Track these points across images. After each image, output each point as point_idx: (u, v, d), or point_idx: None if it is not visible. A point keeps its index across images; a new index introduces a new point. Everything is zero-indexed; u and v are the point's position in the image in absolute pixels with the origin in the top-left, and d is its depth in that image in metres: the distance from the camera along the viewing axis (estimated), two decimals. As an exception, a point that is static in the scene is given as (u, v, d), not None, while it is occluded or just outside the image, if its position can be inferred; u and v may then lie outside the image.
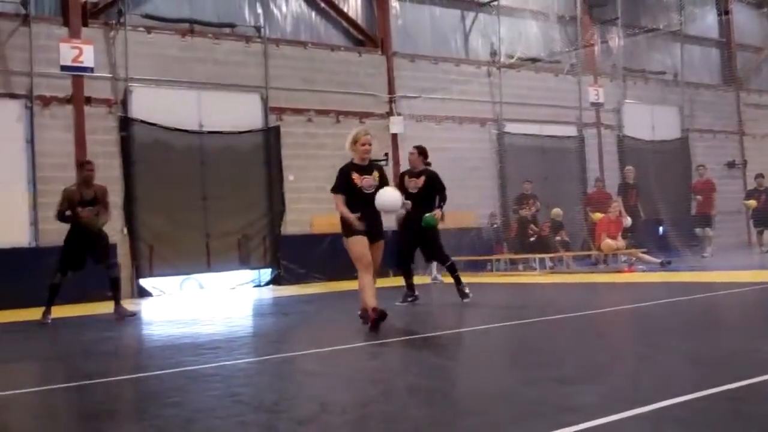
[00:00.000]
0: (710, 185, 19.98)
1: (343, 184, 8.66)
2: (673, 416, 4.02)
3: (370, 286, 8.42)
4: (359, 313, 8.81)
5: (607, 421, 3.91)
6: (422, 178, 10.86)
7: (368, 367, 6.32)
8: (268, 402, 5.04)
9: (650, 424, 3.91)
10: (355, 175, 8.62)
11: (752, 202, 20.46)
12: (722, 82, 27.76)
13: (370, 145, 8.75)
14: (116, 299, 11.55)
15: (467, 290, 10.92)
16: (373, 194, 8.53)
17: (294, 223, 17.83)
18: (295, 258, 17.49)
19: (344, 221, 8.61)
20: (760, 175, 21.20)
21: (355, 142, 8.75)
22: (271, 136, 17.76)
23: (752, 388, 4.51)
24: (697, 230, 19.49)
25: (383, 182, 8.74)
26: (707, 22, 27.31)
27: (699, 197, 19.80)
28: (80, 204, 11.19)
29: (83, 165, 11.76)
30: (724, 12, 27.19)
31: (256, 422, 4.43)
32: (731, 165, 26.29)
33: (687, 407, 4.15)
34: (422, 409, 4.59)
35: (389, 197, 8.52)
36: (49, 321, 11.06)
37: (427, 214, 10.56)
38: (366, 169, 8.73)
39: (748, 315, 8.78)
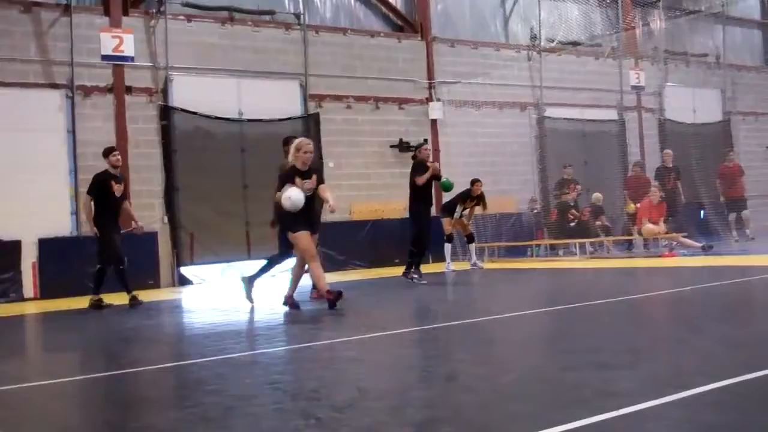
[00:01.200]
0: (737, 169, 19.91)
1: (98, 189, 10.91)
2: (712, 401, 3.98)
3: (322, 272, 9.75)
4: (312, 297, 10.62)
5: (647, 406, 3.88)
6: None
7: (407, 354, 6.33)
8: (306, 389, 5.06)
9: (689, 409, 3.88)
10: (297, 180, 9.45)
11: None
12: (765, 63, 27.28)
13: (311, 153, 9.72)
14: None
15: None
16: (313, 196, 9.57)
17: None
18: (334, 245, 17.50)
19: (286, 217, 9.59)
20: None
21: (298, 150, 9.62)
22: (310, 123, 17.81)
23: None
24: (730, 216, 19.26)
25: (320, 183, 9.68)
26: (749, 3, 26.85)
27: (719, 182, 19.55)
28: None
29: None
30: (765, -7, 26.74)
31: (295, 409, 4.46)
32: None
33: (725, 392, 4.11)
34: (462, 395, 4.58)
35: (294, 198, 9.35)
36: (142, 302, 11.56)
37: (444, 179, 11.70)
38: (307, 173, 9.58)
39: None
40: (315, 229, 10.04)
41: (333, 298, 9.40)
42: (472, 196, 15.74)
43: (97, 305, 11.43)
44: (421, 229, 12.85)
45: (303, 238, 9.60)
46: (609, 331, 6.92)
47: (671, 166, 18.66)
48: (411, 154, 18.71)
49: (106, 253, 11.46)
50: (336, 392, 4.91)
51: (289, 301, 9.94)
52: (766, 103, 26.13)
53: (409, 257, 13.01)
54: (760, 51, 27.53)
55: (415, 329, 7.52)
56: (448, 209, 15.93)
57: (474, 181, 15.74)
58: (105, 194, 11.51)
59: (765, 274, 10.86)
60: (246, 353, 6.60)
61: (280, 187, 9.47)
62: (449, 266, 15.61)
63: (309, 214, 9.68)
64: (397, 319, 8.37)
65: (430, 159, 13.21)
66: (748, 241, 17.97)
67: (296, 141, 9.82)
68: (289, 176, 9.55)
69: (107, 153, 11.88)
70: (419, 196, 12.85)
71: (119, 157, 11.95)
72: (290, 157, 9.70)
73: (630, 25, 22.97)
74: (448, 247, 15.80)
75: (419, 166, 12.87)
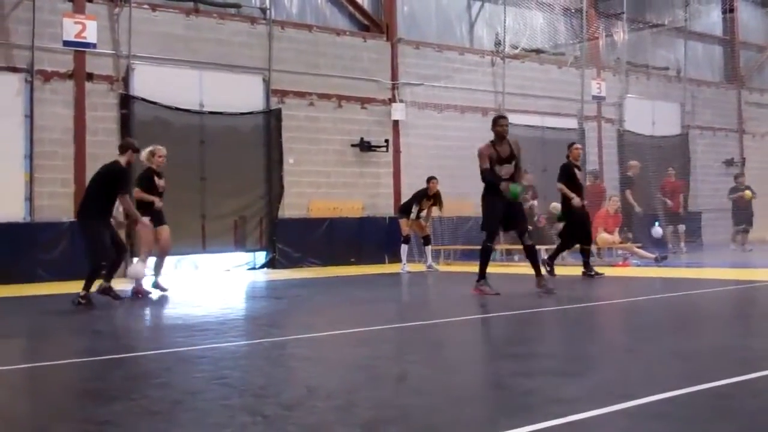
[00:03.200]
0: (678, 184, 20.65)
1: (146, 183, 11.48)
2: (658, 412, 4.01)
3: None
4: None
5: (593, 415, 3.91)
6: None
7: (358, 353, 6.32)
8: (255, 386, 5.03)
9: (634, 419, 3.91)
10: (156, 180, 11.53)
11: (748, 193, 20.57)
12: (724, 79, 27.72)
13: (165, 158, 11.69)
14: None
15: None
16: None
17: (292, 207, 17.82)
18: (291, 242, 17.49)
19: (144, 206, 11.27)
20: (740, 174, 21.86)
21: (153, 154, 11.49)
22: (272, 119, 17.73)
23: (738, 386, 4.51)
24: (668, 228, 19.72)
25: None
26: (711, 19, 27.32)
27: (662, 196, 19.96)
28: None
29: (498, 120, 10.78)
30: (728, 9, 27.20)
31: (242, 405, 4.43)
32: (730, 163, 26.27)
33: (672, 403, 4.15)
34: (411, 397, 4.58)
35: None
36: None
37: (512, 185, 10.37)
38: (160, 174, 11.67)
39: (738, 312, 8.80)
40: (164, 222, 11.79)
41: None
42: (429, 195, 15.78)
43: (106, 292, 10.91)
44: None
45: (151, 233, 11.50)
46: (560, 338, 6.97)
47: (634, 177, 19.05)
48: (372, 153, 18.84)
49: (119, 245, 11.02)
50: (284, 390, 4.89)
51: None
52: (723, 119, 26.59)
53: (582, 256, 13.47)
54: (720, 67, 27.97)
55: (367, 329, 7.51)
56: (405, 210, 15.98)
57: (429, 179, 15.81)
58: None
59: (715, 287, 11.02)
60: (196, 347, 6.54)
61: (142, 183, 11.57)
62: (405, 267, 15.65)
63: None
64: (350, 319, 8.36)
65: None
66: (682, 255, 18.42)
67: (151, 148, 11.47)
68: (147, 176, 11.45)
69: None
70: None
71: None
72: (144, 160, 11.43)
73: (593, 35, 23.23)
74: (404, 248, 15.84)
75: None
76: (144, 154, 11.30)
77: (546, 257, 13.37)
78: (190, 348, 6.54)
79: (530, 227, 18.13)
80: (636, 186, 19.26)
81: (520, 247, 18.02)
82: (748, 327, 7.45)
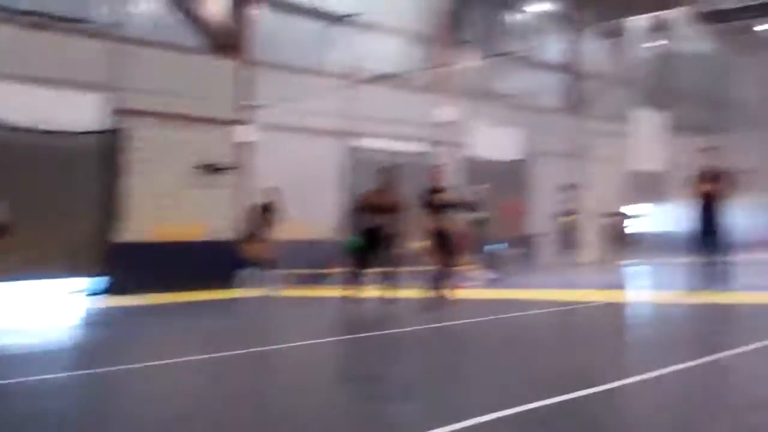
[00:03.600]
0: (518, 209, 21.80)
1: None
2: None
3: None
4: None
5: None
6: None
7: (188, 382, 6.32)
8: (76, 421, 4.98)
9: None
10: None
11: (571, 219, 21.79)
12: (565, 107, 28.98)
13: None
14: None
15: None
16: None
17: (133, 231, 17.28)
18: (131, 267, 16.71)
19: None
20: (569, 200, 23.34)
21: None
22: (114, 139, 17.27)
23: (563, 405, 4.77)
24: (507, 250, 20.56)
25: None
26: (555, 48, 28.53)
27: (504, 219, 20.77)
28: None
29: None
30: (571, 40, 28.50)
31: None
32: (568, 187, 27.36)
33: (499, 424, 4.36)
34: (240, 423, 4.65)
35: None
36: None
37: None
38: None
39: (566, 332, 9.24)
40: None
41: None
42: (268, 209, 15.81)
43: None
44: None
45: None
46: (394, 361, 7.13)
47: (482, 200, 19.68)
48: (220, 175, 18.69)
49: None
50: (117, 420, 4.86)
51: None
52: (562, 145, 27.76)
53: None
54: (561, 94, 29.22)
55: (201, 357, 7.50)
56: (247, 234, 15.98)
57: (267, 191, 15.86)
58: None
59: (544, 309, 11.53)
60: (14, 380, 6.37)
61: None
62: (250, 292, 15.56)
63: None
64: (191, 346, 8.32)
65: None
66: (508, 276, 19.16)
67: None
68: None
69: None
70: None
71: None
72: None
73: (443, 61, 23.84)
74: (248, 272, 15.76)
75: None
76: None
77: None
78: (8, 381, 6.37)
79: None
80: (485, 209, 19.79)
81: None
82: (572, 347, 7.83)
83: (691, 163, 13.90)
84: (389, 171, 11.81)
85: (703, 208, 12.13)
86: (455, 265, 13.72)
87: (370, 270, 12.02)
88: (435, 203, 12.66)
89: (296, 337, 9.18)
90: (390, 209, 11.61)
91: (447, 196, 12.42)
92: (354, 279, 11.88)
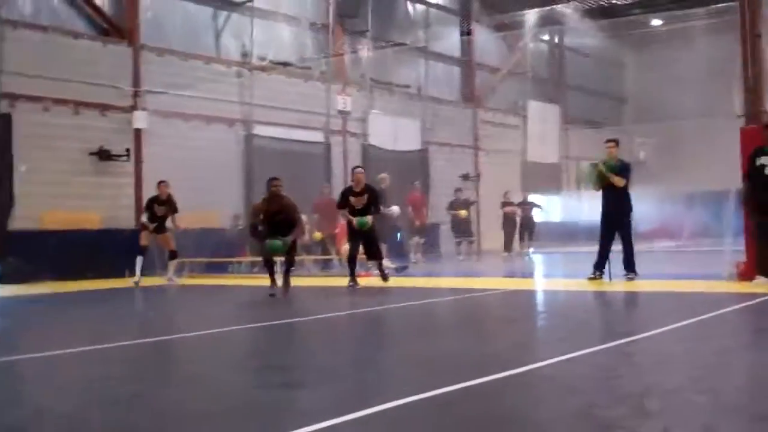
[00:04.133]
0: (422, 198, 22.04)
1: None
2: (390, 418, 4.12)
3: None
4: None
5: (327, 425, 3.94)
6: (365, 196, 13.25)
7: (92, 373, 6.01)
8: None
9: (367, 427, 3.99)
10: None
11: (464, 212, 22.22)
12: (461, 98, 29.27)
13: None
14: None
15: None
16: None
17: (23, 218, 16.68)
18: (22, 255, 16.28)
19: None
20: (458, 189, 23.70)
21: None
22: (1, 124, 16.54)
23: (468, 391, 4.71)
24: (412, 239, 21.19)
25: None
26: (451, 40, 28.79)
27: (410, 209, 20.99)
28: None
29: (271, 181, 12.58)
30: (466, 32, 28.80)
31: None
32: (466, 177, 27.72)
33: (404, 410, 4.27)
34: (142, 417, 4.42)
35: None
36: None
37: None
38: None
39: (471, 319, 9.25)
40: None
41: None
42: (160, 200, 15.39)
43: None
44: None
45: None
46: (302, 349, 7.00)
47: (385, 188, 19.70)
48: (113, 162, 18.10)
49: None
50: (10, 412, 4.56)
51: None
52: (459, 136, 28.05)
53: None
54: (457, 86, 29.50)
55: (102, 347, 7.15)
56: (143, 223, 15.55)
57: (159, 183, 15.48)
58: None
59: (447, 296, 11.57)
60: None
61: None
62: (138, 280, 15.08)
63: None
64: (84, 336, 7.94)
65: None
66: (416, 264, 19.27)
67: None
68: None
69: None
70: None
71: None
72: None
73: (339, 51, 23.73)
74: (139, 259, 15.30)
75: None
76: None
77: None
78: None
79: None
80: (387, 198, 19.89)
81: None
82: (477, 333, 7.83)
83: (593, 155, 14.26)
84: (276, 179, 12.70)
85: (605, 198, 12.34)
86: (374, 257, 13.80)
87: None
88: (353, 206, 13.30)
89: (199, 325, 8.89)
90: (284, 217, 12.32)
91: (364, 200, 13.24)
92: (270, 268, 12.51)
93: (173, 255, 15.73)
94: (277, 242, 12.12)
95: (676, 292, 10.91)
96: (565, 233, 27.82)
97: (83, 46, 18.28)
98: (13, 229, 16.52)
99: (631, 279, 12.02)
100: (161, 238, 15.66)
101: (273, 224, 12.25)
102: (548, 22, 29.32)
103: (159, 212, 15.38)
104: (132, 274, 15.23)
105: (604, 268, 12.30)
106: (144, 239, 15.44)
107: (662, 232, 25.89)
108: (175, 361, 6.61)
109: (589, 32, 29.35)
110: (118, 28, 19.08)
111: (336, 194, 19.62)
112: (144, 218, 15.56)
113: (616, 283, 12.00)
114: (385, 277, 13.39)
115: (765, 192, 10.85)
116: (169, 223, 15.57)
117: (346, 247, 16.36)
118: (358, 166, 14.56)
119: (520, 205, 24.26)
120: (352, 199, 13.34)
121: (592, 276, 12.27)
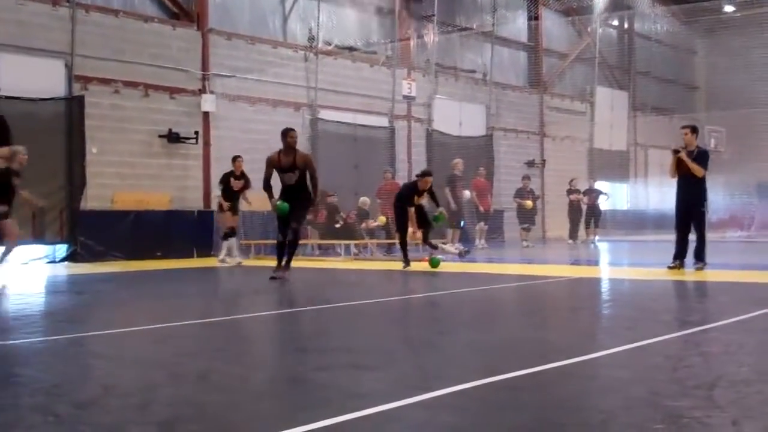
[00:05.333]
0: (488, 185, 21.94)
1: None
2: (452, 403, 4.13)
3: None
4: None
5: (390, 408, 3.97)
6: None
7: (158, 350, 6.14)
8: (47, 384, 4.79)
9: (430, 411, 4.00)
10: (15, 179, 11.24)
11: (529, 203, 22.12)
12: (528, 84, 29.00)
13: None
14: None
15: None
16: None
17: (95, 198, 17.11)
18: (94, 234, 16.77)
19: None
20: (526, 177, 23.47)
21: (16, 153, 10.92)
22: (74, 106, 16.95)
23: (531, 377, 4.70)
24: (477, 225, 21.35)
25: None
26: (517, 25, 28.52)
27: (475, 195, 20.93)
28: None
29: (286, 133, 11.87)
30: (534, 17, 28.49)
31: (33, 405, 4.21)
32: (531, 164, 27.52)
33: (466, 395, 4.27)
34: (211, 394, 4.50)
35: None
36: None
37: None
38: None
39: (535, 306, 9.20)
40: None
41: None
42: (236, 174, 15.57)
43: None
44: None
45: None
46: (363, 332, 7.04)
47: (460, 174, 19.85)
48: (181, 144, 18.39)
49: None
50: (79, 388, 4.69)
51: None
52: (525, 122, 27.83)
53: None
54: (524, 72, 29.24)
55: (168, 325, 7.30)
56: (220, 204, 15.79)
57: (235, 158, 15.63)
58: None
59: (511, 282, 11.51)
60: (-17, 345, 6.17)
61: None
62: (225, 260, 15.46)
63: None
64: (152, 315, 8.12)
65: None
66: (481, 249, 19.27)
67: (16, 148, 10.93)
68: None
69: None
70: None
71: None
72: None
73: (405, 36, 23.70)
74: (233, 240, 15.65)
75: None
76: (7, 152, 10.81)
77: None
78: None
79: (338, 222, 18.54)
80: (461, 183, 20.10)
81: (329, 242, 18.31)
82: (541, 321, 7.80)
83: (662, 143, 14.04)
84: (292, 130, 12.00)
85: (680, 186, 12.20)
86: (426, 241, 14.01)
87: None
88: (415, 204, 13.88)
89: (265, 306, 9.03)
90: (297, 180, 11.75)
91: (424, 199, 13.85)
92: (280, 250, 11.96)
93: (232, 234, 15.88)
94: (287, 206, 11.56)
95: (746, 282, 10.72)
96: (633, 221, 27.49)
97: (153, 30, 18.60)
98: (85, 209, 16.93)
99: (700, 268, 11.88)
100: (231, 218, 15.79)
101: (287, 188, 11.78)
102: (618, 7, 28.89)
103: (236, 186, 15.53)
104: (201, 254, 15.47)
105: (684, 257, 12.22)
106: (230, 220, 15.62)
107: (732, 222, 25.43)
108: (240, 341, 6.71)
109: (659, 18, 28.84)
110: (187, 12, 19.36)
111: (399, 179, 19.74)
112: (218, 194, 15.74)
113: (685, 272, 11.87)
114: (434, 246, 14.13)
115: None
116: (241, 202, 15.76)
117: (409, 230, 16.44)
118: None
119: (585, 192, 24.01)
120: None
121: (672, 265, 12.18)
